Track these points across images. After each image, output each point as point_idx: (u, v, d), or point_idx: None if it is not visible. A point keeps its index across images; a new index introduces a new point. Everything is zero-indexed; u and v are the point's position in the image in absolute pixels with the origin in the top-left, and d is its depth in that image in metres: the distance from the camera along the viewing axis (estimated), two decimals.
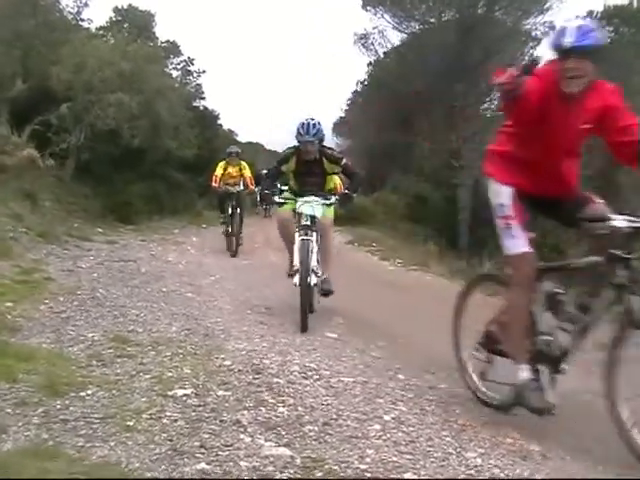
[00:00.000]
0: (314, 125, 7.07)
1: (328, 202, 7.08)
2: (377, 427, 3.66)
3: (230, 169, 13.73)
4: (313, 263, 6.76)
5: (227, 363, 4.67)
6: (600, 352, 3.86)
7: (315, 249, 6.86)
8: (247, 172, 13.91)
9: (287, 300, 7.47)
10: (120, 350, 4.78)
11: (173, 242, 14.27)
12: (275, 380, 4.37)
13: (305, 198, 7.02)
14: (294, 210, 7.16)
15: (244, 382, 4.26)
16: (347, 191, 7.30)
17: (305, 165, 7.24)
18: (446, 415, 4.10)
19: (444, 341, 4.88)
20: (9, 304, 5.92)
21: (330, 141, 42.93)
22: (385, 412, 3.96)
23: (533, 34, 28.26)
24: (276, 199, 7.40)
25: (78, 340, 5.01)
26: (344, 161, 7.38)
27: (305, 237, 6.77)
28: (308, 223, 6.82)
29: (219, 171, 13.70)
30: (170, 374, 4.28)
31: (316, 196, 7.06)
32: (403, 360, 5.40)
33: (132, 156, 17.97)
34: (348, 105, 37.59)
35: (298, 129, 7.05)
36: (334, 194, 7.48)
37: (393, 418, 3.86)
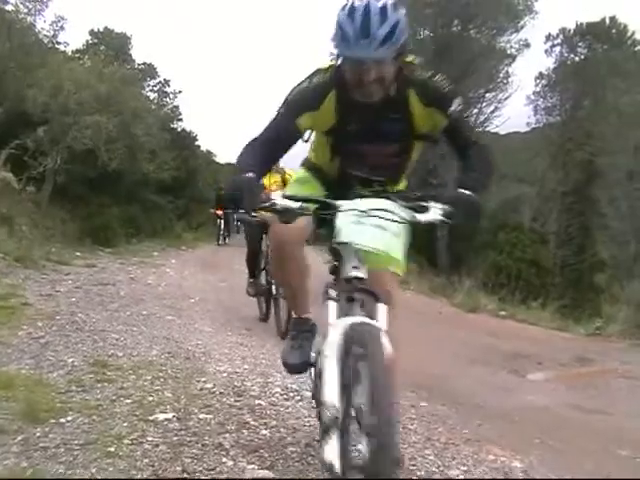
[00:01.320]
0: (382, 11, 2.66)
1: (419, 218, 2.74)
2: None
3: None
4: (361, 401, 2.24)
5: (208, 386, 4.65)
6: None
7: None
8: None
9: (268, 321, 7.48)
10: (100, 375, 4.74)
11: (152, 265, 14.20)
12: (257, 402, 4.37)
13: (359, 204, 2.72)
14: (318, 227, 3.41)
15: (226, 405, 4.25)
16: (469, 189, 2.77)
17: (359, 117, 3.01)
18: (428, 433, 4.13)
19: (424, 358, 4.91)
20: None
21: None
22: None
23: (508, 52, 28.67)
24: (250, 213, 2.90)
25: (57, 366, 4.96)
26: (458, 106, 3.04)
27: (359, 319, 2.51)
28: (362, 274, 2.70)
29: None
30: (151, 398, 4.26)
31: (390, 200, 2.77)
32: None
33: (110, 178, 17.92)
34: None
35: (340, 24, 2.68)
36: (420, 198, 2.84)
37: None
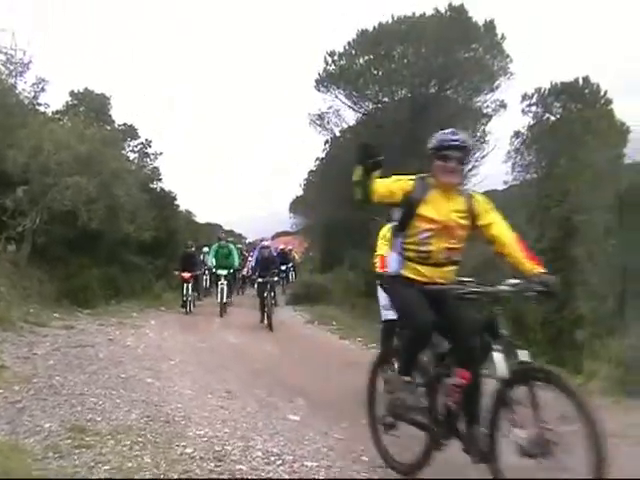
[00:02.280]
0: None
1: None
2: None
3: None
4: None
5: (188, 451, 4.59)
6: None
7: None
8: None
9: (247, 381, 7.41)
10: (78, 440, 4.67)
11: (131, 326, 14.06)
12: (238, 467, 4.32)
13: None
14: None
15: (206, 470, 4.20)
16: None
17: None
18: None
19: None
20: None
21: (287, 220, 43.19)
22: None
23: (484, 111, 29.25)
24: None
25: (34, 431, 4.89)
26: None
27: None
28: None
29: None
30: (130, 464, 4.19)
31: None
32: (366, 442, 5.36)
33: (89, 239, 17.86)
34: (305, 184, 38.17)
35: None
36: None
37: None
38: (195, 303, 19.82)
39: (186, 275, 18.72)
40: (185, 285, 18.74)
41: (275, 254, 19.82)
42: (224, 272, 18.22)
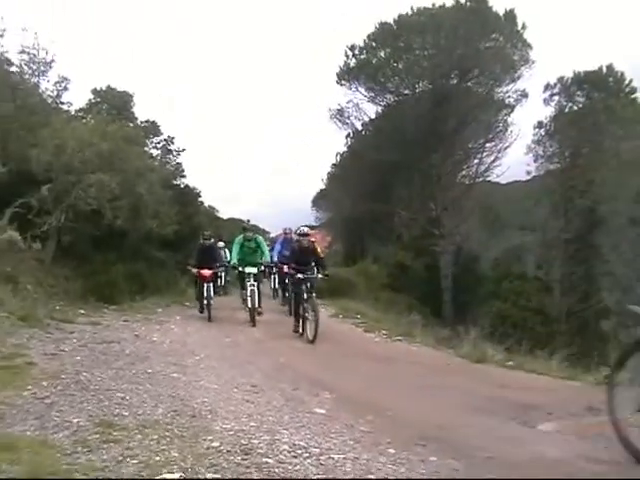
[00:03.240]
0: None
1: None
2: None
3: None
4: None
5: (215, 444, 4.60)
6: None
7: None
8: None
9: (272, 375, 7.42)
10: (106, 435, 4.70)
11: (157, 321, 14.13)
12: (264, 460, 4.31)
13: None
14: None
15: (233, 463, 4.20)
16: None
17: None
18: None
19: (433, 411, 4.86)
20: None
21: (308, 215, 43.07)
22: None
23: (506, 102, 29.06)
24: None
25: (63, 426, 4.93)
26: None
27: None
28: None
29: None
30: (157, 458, 4.21)
31: None
32: (393, 433, 5.34)
33: (113, 236, 17.96)
34: (328, 178, 38.17)
35: None
36: None
37: None
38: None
39: (206, 273, 15.54)
40: (205, 285, 15.43)
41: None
42: (253, 270, 15.00)
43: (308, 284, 12.33)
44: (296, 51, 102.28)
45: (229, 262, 17.17)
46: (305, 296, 12.23)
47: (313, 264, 13.14)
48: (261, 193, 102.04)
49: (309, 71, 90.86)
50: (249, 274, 14.84)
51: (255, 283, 14.67)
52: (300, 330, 12.31)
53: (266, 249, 16.25)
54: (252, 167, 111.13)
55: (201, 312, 15.57)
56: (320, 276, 12.95)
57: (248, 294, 14.48)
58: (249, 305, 14.33)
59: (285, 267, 14.34)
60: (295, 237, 15.11)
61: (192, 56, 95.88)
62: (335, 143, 71.72)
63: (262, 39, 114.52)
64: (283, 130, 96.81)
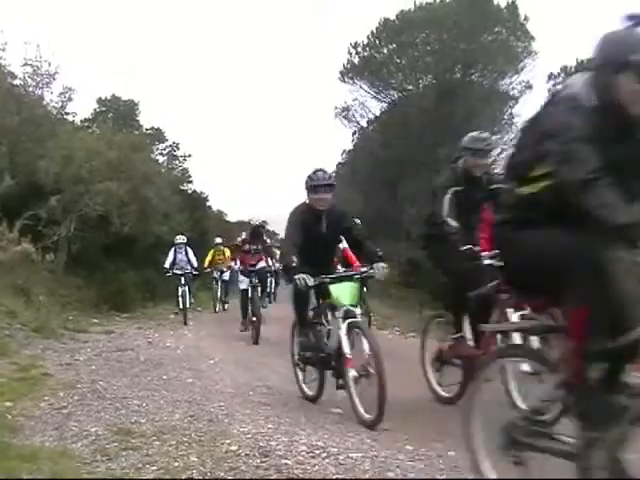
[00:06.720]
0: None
1: None
2: None
3: None
4: None
5: (233, 448, 4.61)
6: None
7: None
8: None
9: (287, 376, 7.43)
10: (124, 443, 4.71)
11: (170, 327, 14.18)
12: (283, 462, 4.32)
13: None
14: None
15: (252, 466, 4.21)
16: None
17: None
18: None
19: (449, 406, 4.85)
20: (8, 404, 5.84)
21: None
22: None
23: (510, 94, 28.93)
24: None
25: (81, 436, 4.95)
26: None
27: None
28: None
29: None
30: (177, 464, 4.22)
31: None
32: (410, 430, 5.34)
33: (123, 243, 18.04)
34: (334, 177, 38.13)
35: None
36: None
37: None
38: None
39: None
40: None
41: None
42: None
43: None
44: (297, 51, 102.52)
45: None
46: None
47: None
48: (268, 195, 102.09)
49: (312, 71, 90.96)
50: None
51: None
52: None
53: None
54: (259, 169, 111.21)
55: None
56: None
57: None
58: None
59: None
60: None
61: (192, 58, 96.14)
62: (340, 142, 71.78)
63: (263, 40, 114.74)
64: (288, 130, 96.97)
